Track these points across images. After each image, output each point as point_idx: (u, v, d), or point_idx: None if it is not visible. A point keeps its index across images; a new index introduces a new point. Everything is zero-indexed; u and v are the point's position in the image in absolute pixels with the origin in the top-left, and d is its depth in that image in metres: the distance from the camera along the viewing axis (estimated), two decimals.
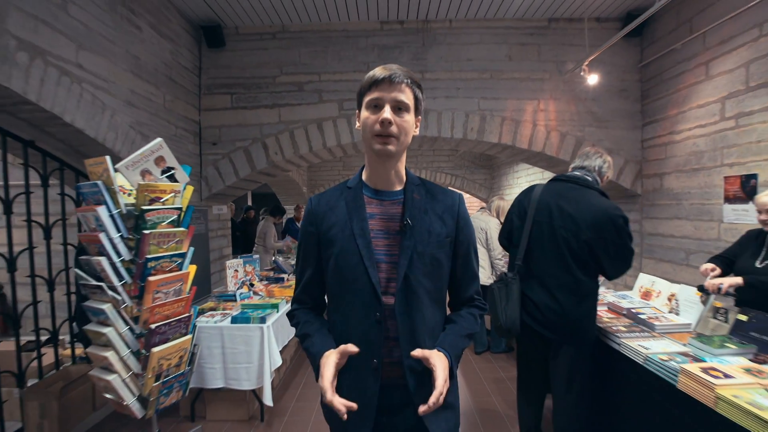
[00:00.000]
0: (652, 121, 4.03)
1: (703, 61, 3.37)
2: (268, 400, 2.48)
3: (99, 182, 1.73)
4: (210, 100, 4.14)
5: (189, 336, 2.03)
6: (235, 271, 3.24)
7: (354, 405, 0.85)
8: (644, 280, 2.57)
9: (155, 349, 1.83)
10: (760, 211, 2.18)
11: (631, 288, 2.96)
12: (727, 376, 1.43)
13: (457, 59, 4.12)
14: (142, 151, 1.85)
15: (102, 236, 1.71)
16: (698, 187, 3.45)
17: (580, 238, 1.79)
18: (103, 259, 1.72)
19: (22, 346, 2.53)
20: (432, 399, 0.86)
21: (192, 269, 2.09)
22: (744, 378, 1.41)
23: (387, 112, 0.93)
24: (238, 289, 3.15)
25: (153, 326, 1.81)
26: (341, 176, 9.91)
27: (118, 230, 1.79)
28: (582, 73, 3.72)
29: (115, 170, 1.75)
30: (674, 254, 3.75)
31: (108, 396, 1.86)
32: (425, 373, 0.96)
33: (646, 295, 2.50)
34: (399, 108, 0.95)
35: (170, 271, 1.91)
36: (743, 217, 2.99)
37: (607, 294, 2.71)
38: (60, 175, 2.85)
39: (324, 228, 1.03)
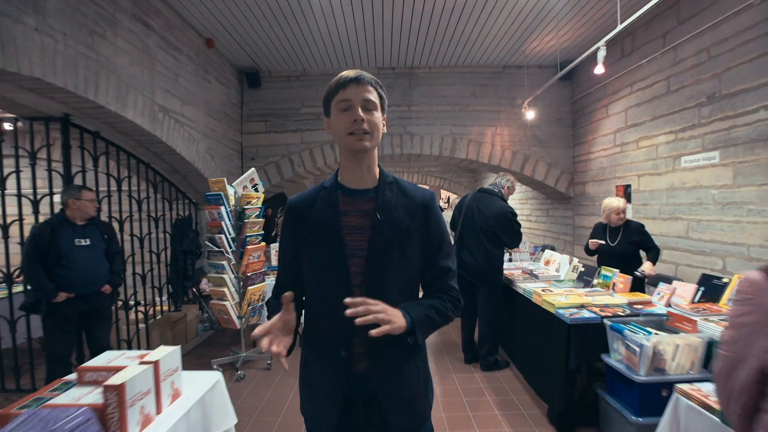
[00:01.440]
0: (579, 143, 5.45)
1: (605, 104, 4.78)
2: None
3: (221, 193, 3.10)
4: (249, 126, 5.51)
5: (264, 283, 3.41)
6: (276, 251, 4.63)
7: (283, 360, 0.91)
8: (547, 254, 3.99)
9: (249, 288, 3.21)
10: (603, 212, 3.56)
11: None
12: (546, 291, 2.84)
13: (435, 96, 5.51)
14: (245, 176, 3.23)
15: (222, 223, 3.09)
16: (603, 192, 4.86)
17: (487, 224, 3.20)
18: (222, 236, 3.09)
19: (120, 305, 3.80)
20: (363, 305, 0.90)
21: (263, 244, 3.47)
22: (559, 291, 2.83)
23: (358, 110, 0.97)
24: None
25: (249, 274, 3.18)
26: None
27: (230, 220, 3.16)
28: (523, 110, 5.12)
29: (231, 187, 3.14)
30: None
31: (221, 315, 3.24)
32: (390, 364, 1.02)
33: (547, 263, 3.91)
34: (368, 107, 1.00)
35: (255, 244, 3.29)
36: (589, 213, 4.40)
37: (524, 263, 4.13)
38: (162, 186, 4.24)
39: (301, 225, 1.07)
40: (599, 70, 3.33)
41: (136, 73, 3.14)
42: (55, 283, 2.60)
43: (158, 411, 1.39)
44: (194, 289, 4.48)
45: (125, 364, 1.40)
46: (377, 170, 1.10)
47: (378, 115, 1.02)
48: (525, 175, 5.65)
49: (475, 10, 3.90)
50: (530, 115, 5.08)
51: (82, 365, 1.43)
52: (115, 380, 1.21)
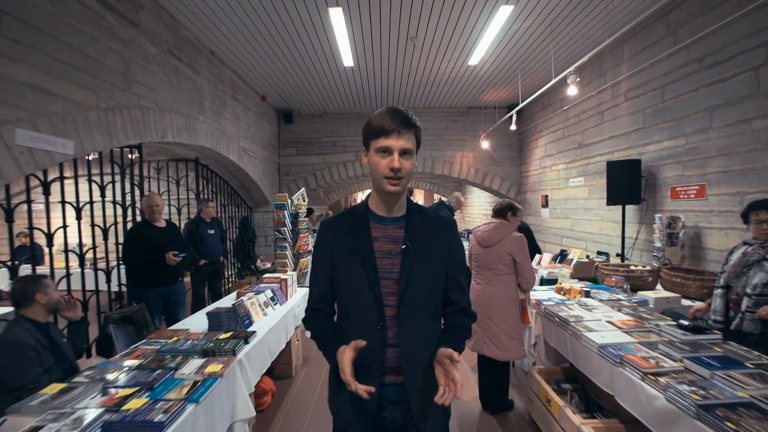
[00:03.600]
0: (522, 163, 7.54)
1: (535, 138, 6.87)
2: None
3: (284, 202, 5.17)
4: (285, 151, 7.60)
5: (310, 257, 5.50)
6: (307, 241, 6.72)
7: (372, 388, 0.98)
8: None
9: (300, 260, 5.29)
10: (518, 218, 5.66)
11: None
12: None
13: None
14: (299, 192, 5.32)
15: (285, 221, 5.17)
16: (535, 200, 6.96)
17: None
18: (286, 228, 5.17)
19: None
20: (458, 391, 0.96)
21: (306, 233, 5.55)
22: None
23: (396, 161, 1.06)
24: None
25: (300, 252, 5.27)
26: (348, 186, 13.38)
27: (289, 219, 5.24)
28: (480, 140, 7.21)
29: (291, 199, 5.23)
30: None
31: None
32: (421, 375, 1.12)
33: None
34: (404, 153, 1.08)
35: (303, 233, 5.37)
36: (538, 215, 6.53)
37: None
38: (234, 197, 6.33)
39: (335, 249, 1.18)
40: (513, 128, 5.43)
41: (233, 131, 5.23)
42: (199, 254, 4.69)
43: (291, 295, 3.49)
44: (253, 266, 6.57)
45: (278, 275, 3.50)
46: (405, 200, 1.21)
47: (413, 160, 1.11)
48: (485, 186, 7.75)
49: (446, 74, 5.97)
50: (485, 144, 7.17)
51: (263, 275, 3.52)
52: (283, 277, 3.32)
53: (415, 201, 1.28)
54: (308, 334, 1.23)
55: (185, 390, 1.64)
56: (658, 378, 1.64)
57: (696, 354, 1.78)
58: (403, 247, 1.13)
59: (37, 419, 1.40)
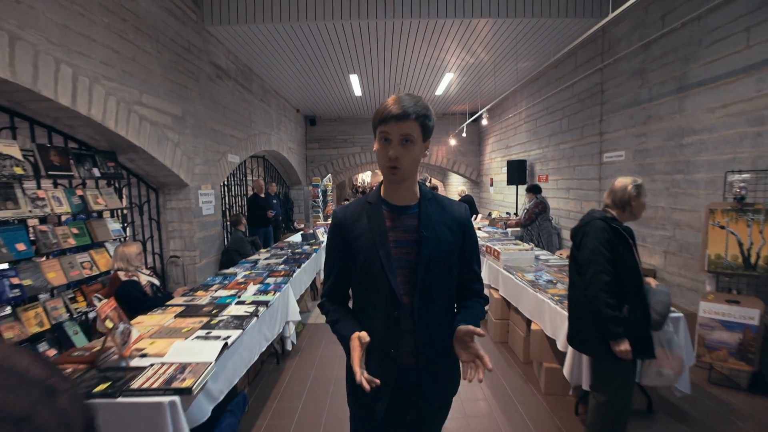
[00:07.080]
0: (480, 154, 10.50)
1: (488, 137, 9.81)
2: None
3: (318, 183, 8.11)
4: (310, 145, 10.53)
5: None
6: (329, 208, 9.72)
7: (377, 381, 1.02)
8: None
9: (328, 219, 8.30)
10: (459, 195, 8.66)
11: None
12: None
13: None
14: (327, 176, 8.27)
15: (319, 195, 8.14)
16: (487, 181, 9.95)
17: None
18: (319, 200, 8.14)
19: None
20: (487, 363, 1.01)
21: (331, 204, 8.54)
22: None
23: (394, 148, 1.06)
24: None
25: (328, 214, 8.27)
26: (352, 170, 16.34)
27: (321, 194, 8.21)
28: (450, 138, 10.13)
29: (321, 181, 8.17)
30: (484, 205, 10.29)
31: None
32: (435, 359, 1.18)
33: None
34: (406, 140, 1.07)
35: (329, 204, 8.35)
36: (488, 191, 9.56)
37: None
38: (279, 180, 9.34)
39: (349, 238, 1.19)
40: (464, 135, 8.38)
41: (285, 137, 8.17)
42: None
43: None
44: (292, 226, 9.62)
45: (326, 222, 6.53)
46: (417, 188, 1.20)
47: (415, 148, 1.09)
48: (455, 171, 10.73)
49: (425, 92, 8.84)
50: (453, 141, 10.10)
51: (303, 230, 6.56)
52: (322, 223, 6.38)
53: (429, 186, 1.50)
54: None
55: (313, 248, 4.71)
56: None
57: (496, 240, 4.85)
58: (418, 235, 1.14)
59: (269, 253, 4.48)
